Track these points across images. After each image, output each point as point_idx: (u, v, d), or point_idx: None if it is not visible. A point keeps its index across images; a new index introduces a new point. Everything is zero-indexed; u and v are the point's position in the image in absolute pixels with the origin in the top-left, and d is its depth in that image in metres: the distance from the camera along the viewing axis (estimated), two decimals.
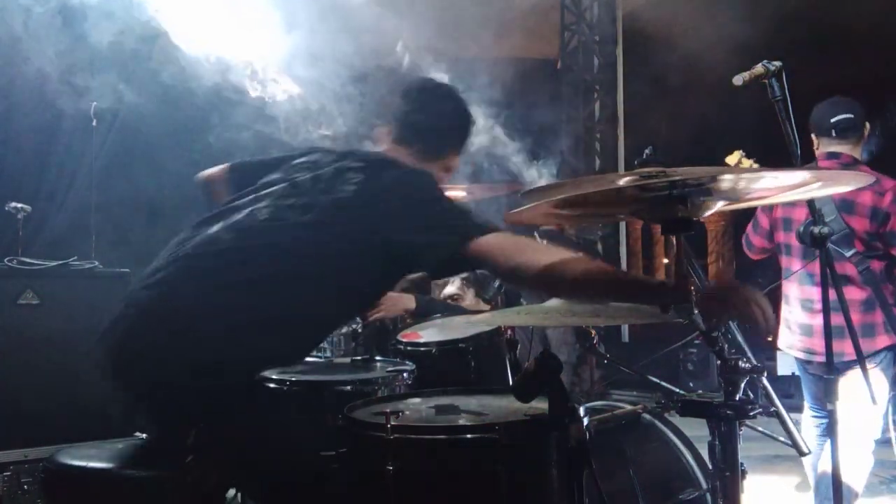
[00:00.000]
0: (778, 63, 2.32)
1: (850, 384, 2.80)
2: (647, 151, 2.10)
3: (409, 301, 2.95)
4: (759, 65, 2.30)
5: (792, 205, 3.18)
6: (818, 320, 3.01)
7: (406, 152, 2.19)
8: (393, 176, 2.02)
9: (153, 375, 1.88)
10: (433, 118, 2.24)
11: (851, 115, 3.22)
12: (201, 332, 1.87)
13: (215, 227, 2.00)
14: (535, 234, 3.76)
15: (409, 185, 2.01)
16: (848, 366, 2.94)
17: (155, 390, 1.90)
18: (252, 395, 1.85)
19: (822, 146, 3.28)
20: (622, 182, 1.48)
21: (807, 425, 3.37)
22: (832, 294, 2.36)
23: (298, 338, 2.01)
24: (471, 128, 2.33)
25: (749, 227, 3.52)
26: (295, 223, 1.94)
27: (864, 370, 2.57)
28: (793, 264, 3.30)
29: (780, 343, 3.40)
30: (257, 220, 1.97)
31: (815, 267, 2.65)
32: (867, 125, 3.30)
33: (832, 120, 3.23)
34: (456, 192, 3.22)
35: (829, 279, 2.33)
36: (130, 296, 2.07)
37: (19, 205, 4.10)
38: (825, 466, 3.10)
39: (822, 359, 2.96)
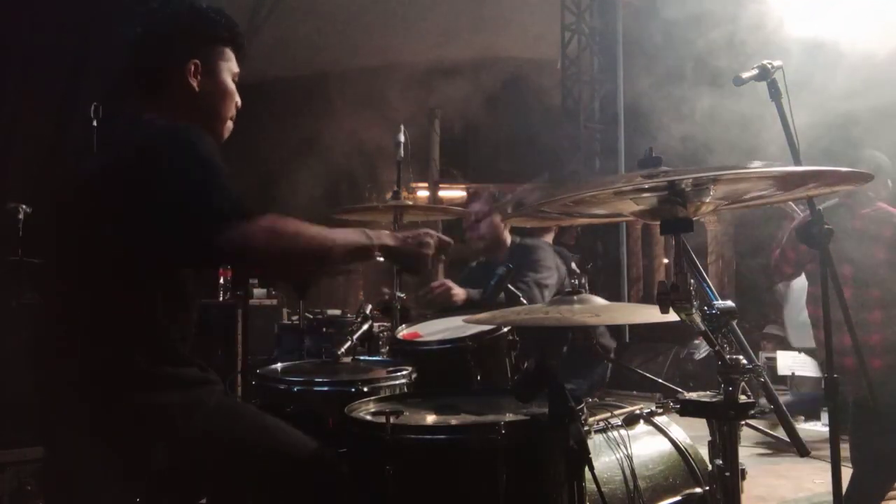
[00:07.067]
0: (779, 63, 2.32)
1: None
2: (647, 151, 2.10)
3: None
4: (760, 64, 2.30)
5: None
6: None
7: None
8: None
9: None
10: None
11: None
12: None
13: None
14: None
15: None
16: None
17: None
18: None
19: None
20: (622, 182, 1.48)
21: None
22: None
23: None
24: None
25: (776, 256, 3.55)
26: None
27: (863, 365, 2.57)
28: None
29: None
30: None
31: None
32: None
33: None
34: (456, 192, 3.27)
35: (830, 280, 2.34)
36: None
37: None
38: None
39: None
